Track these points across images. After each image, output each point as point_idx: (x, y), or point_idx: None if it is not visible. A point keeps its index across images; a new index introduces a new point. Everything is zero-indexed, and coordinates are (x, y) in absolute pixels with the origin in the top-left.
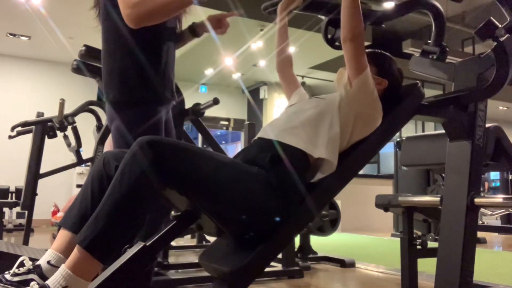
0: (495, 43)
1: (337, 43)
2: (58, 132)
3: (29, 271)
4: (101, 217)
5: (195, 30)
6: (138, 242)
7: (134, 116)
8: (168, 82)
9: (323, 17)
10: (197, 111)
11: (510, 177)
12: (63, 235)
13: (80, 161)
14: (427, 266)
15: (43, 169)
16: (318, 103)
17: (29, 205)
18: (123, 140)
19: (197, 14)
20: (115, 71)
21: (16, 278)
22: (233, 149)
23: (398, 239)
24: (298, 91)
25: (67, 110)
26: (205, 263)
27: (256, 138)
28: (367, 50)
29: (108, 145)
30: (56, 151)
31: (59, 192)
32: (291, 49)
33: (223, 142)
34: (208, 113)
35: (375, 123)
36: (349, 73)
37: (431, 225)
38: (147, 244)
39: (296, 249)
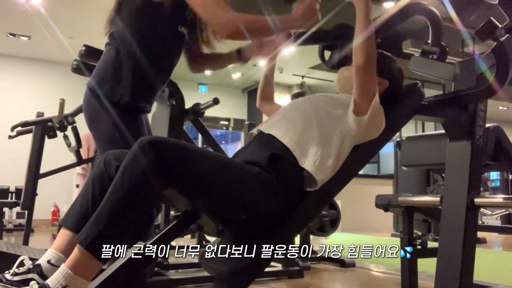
0: (495, 43)
1: (334, 65)
2: (58, 132)
3: (29, 271)
4: (102, 217)
5: (241, 54)
6: (138, 242)
7: (132, 121)
8: (155, 96)
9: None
10: (197, 111)
11: (510, 177)
12: (64, 234)
13: (80, 161)
14: (427, 266)
15: (43, 169)
16: (320, 108)
17: (29, 205)
18: (117, 142)
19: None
20: (126, 75)
21: (16, 278)
22: (233, 149)
23: (398, 239)
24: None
25: (67, 110)
26: (205, 263)
27: (255, 131)
28: None
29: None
30: (56, 151)
31: (59, 192)
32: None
33: (223, 142)
34: (208, 113)
35: (377, 134)
36: (358, 99)
37: (431, 225)
38: (147, 244)
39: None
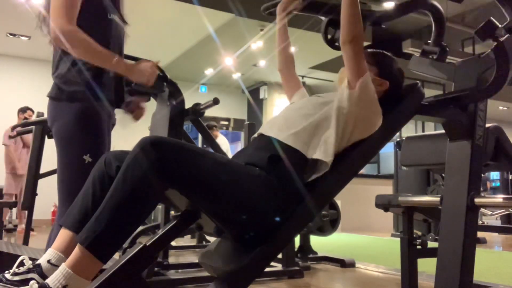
0: (495, 43)
1: (336, 44)
2: None
3: (29, 270)
4: (103, 217)
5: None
6: (137, 242)
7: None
8: (110, 83)
9: (323, 18)
10: (197, 111)
11: (510, 177)
12: (64, 234)
13: None
14: (427, 266)
15: (43, 169)
16: (319, 106)
17: (29, 205)
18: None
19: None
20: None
21: (16, 278)
22: (233, 149)
23: (398, 239)
24: (300, 92)
25: None
26: (205, 263)
27: (256, 135)
28: (368, 50)
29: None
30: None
31: None
32: (292, 49)
33: None
34: (208, 113)
35: (374, 127)
36: (348, 76)
37: (431, 225)
38: (147, 244)
39: (296, 249)
